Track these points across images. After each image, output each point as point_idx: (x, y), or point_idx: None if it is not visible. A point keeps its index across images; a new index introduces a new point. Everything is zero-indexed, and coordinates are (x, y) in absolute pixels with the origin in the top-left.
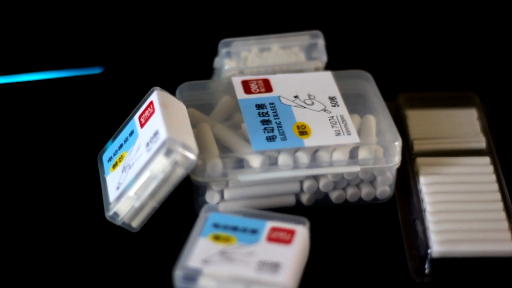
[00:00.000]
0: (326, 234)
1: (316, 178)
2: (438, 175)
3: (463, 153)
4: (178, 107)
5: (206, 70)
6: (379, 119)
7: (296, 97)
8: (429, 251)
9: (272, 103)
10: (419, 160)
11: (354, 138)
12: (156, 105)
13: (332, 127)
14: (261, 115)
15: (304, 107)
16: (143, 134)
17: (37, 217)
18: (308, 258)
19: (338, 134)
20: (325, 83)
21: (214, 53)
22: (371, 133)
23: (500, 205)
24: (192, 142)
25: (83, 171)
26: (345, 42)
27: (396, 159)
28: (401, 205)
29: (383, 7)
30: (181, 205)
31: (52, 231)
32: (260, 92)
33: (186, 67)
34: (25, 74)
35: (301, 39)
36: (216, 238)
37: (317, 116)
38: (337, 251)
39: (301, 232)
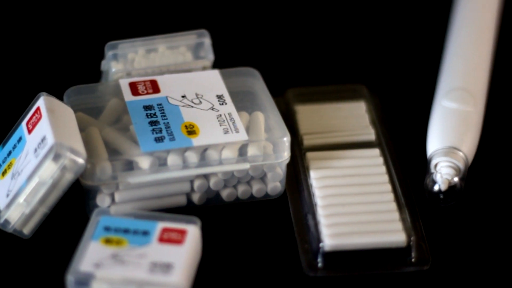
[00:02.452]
0: (219, 232)
1: (206, 177)
2: (328, 169)
3: (353, 146)
4: (66, 111)
5: (94, 74)
6: (268, 116)
7: (183, 96)
8: (321, 245)
9: (160, 104)
10: (309, 155)
11: (242, 136)
12: (43, 110)
13: (220, 125)
14: (149, 116)
15: (192, 107)
16: (31, 140)
17: None
18: (202, 257)
19: (226, 132)
20: (212, 81)
21: (101, 56)
22: (260, 130)
23: (391, 196)
24: (80, 146)
25: None
26: (232, 40)
27: (286, 155)
28: (293, 200)
29: (265, 3)
30: (73, 209)
31: None
32: (147, 93)
33: (74, 71)
34: None
35: (188, 38)
36: (108, 241)
37: (205, 115)
38: (231, 248)
39: (193, 232)
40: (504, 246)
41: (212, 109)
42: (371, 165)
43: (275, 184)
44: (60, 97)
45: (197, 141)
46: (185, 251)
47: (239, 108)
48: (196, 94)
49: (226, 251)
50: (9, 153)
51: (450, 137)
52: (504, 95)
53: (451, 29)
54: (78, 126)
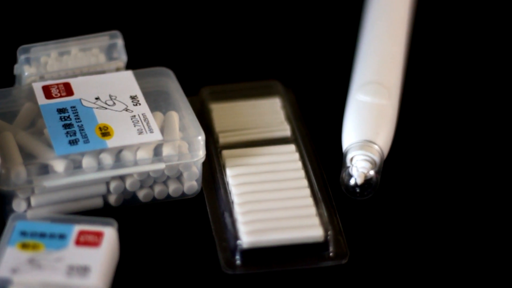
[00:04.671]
0: (136, 233)
1: (122, 178)
2: (245, 166)
3: (269, 143)
4: None
5: (7, 78)
6: (182, 115)
7: (97, 98)
8: (238, 242)
9: (74, 107)
10: (225, 153)
11: (157, 136)
12: None
13: (135, 126)
14: (63, 119)
15: (106, 108)
16: None
17: None
18: (120, 259)
19: (140, 132)
20: (126, 82)
21: (14, 60)
22: (174, 129)
23: (307, 191)
24: None
25: None
26: (145, 40)
27: (201, 153)
28: (210, 199)
29: (175, 2)
30: None
31: None
32: (61, 96)
33: None
34: None
35: (100, 40)
36: (24, 246)
37: (119, 116)
38: (149, 249)
39: (109, 234)
40: (420, 238)
41: (126, 110)
42: (287, 161)
43: (191, 183)
44: None
45: (111, 142)
46: (102, 253)
47: (153, 108)
48: (110, 96)
49: (144, 251)
50: None
51: (365, 131)
52: (419, 88)
53: (365, 23)
54: None
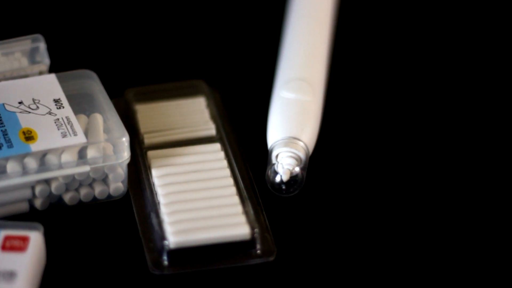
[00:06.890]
0: (63, 236)
1: (47, 182)
2: (170, 167)
3: (194, 142)
4: None
5: None
6: (106, 117)
7: (20, 103)
8: (165, 242)
9: None
10: (150, 153)
11: (81, 138)
12: None
13: (58, 129)
14: None
15: (29, 112)
16: None
17: None
18: (47, 263)
19: (64, 136)
20: (49, 86)
21: None
22: (98, 132)
23: (233, 189)
24: None
25: None
26: (68, 43)
27: (126, 155)
28: (136, 200)
29: (96, 4)
30: None
31: None
32: None
33: None
34: None
35: (22, 44)
36: None
37: (42, 120)
38: (76, 252)
39: (35, 238)
40: (347, 234)
41: (50, 113)
42: (213, 160)
43: (117, 185)
44: None
45: (35, 146)
46: (28, 258)
47: (77, 111)
48: (33, 100)
49: (71, 255)
50: None
51: (290, 128)
52: (343, 84)
53: (288, 21)
54: None
